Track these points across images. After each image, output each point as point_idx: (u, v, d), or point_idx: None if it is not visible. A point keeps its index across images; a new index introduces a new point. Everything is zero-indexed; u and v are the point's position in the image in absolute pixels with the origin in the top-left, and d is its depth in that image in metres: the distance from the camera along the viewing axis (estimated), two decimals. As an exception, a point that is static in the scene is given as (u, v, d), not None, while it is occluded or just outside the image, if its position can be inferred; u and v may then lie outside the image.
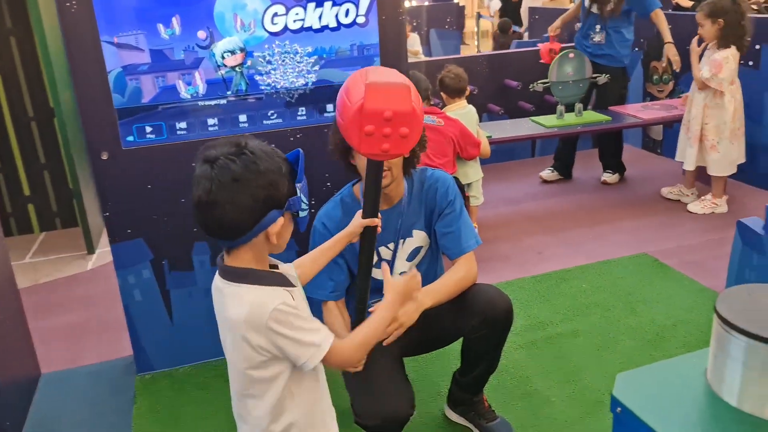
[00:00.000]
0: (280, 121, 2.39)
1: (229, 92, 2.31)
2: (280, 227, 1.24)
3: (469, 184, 3.54)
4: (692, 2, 4.78)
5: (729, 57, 3.52)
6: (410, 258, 2.02)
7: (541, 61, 4.25)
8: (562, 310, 2.82)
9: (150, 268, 2.41)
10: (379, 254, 1.97)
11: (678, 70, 4.01)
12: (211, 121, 2.32)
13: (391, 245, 1.99)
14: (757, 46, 3.98)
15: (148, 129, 2.27)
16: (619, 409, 1.22)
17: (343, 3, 2.31)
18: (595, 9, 4.13)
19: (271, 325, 1.22)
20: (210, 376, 2.49)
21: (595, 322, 2.72)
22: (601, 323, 2.71)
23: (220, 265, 1.31)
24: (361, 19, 2.35)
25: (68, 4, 2.08)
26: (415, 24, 7.29)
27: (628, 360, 2.43)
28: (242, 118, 2.35)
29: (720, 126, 3.65)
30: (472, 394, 2.12)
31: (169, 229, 2.39)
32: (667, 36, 4.13)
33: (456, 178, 3.15)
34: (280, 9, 2.26)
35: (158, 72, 2.21)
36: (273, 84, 2.34)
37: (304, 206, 1.27)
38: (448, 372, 2.23)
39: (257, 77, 2.31)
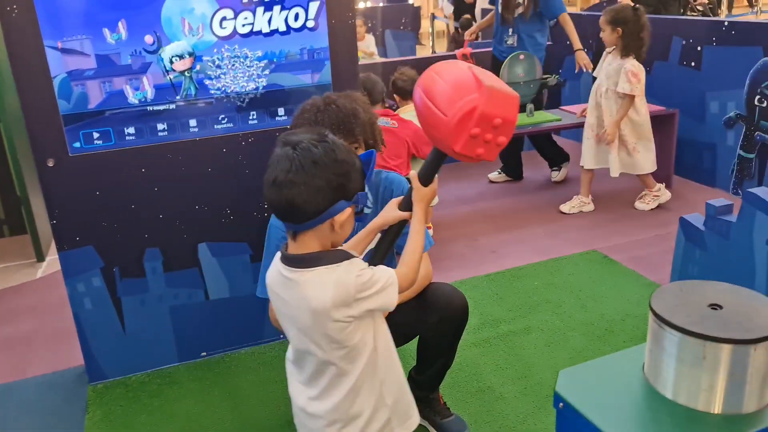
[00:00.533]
0: (231, 125, 2.38)
1: (178, 97, 2.29)
2: (345, 218, 1.30)
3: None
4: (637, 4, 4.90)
5: (637, 64, 3.64)
6: (366, 258, 2.03)
7: None
8: (514, 308, 2.88)
9: (100, 275, 2.38)
10: None
11: (593, 73, 4.09)
12: (160, 126, 2.30)
13: None
14: (699, 48, 4.12)
15: (96, 135, 2.23)
16: (561, 404, 1.26)
17: (292, 7, 2.31)
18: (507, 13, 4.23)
19: (359, 296, 1.31)
20: (164, 383, 2.47)
21: (546, 318, 2.78)
22: (552, 319, 2.78)
23: (285, 255, 1.35)
24: (310, 23, 2.35)
25: (9, 8, 2.03)
26: (370, 25, 7.31)
27: (578, 355, 2.50)
28: (192, 122, 2.33)
29: (636, 128, 3.79)
30: (427, 391, 2.15)
31: (119, 235, 2.35)
32: (576, 43, 4.26)
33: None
34: (228, 13, 2.25)
35: (105, 77, 2.18)
36: (223, 88, 2.33)
37: (369, 203, 1.31)
38: (404, 370, 2.25)
39: (207, 81, 2.30)
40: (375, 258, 1.51)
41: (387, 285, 1.35)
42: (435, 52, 8.81)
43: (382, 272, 1.37)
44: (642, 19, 3.64)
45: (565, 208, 3.97)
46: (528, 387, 2.34)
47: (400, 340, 2.12)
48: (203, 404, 2.35)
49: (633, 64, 3.63)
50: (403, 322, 2.03)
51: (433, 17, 8.50)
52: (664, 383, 1.22)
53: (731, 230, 2.41)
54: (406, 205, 1.50)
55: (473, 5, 6.80)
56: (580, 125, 4.36)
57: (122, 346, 2.48)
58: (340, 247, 1.39)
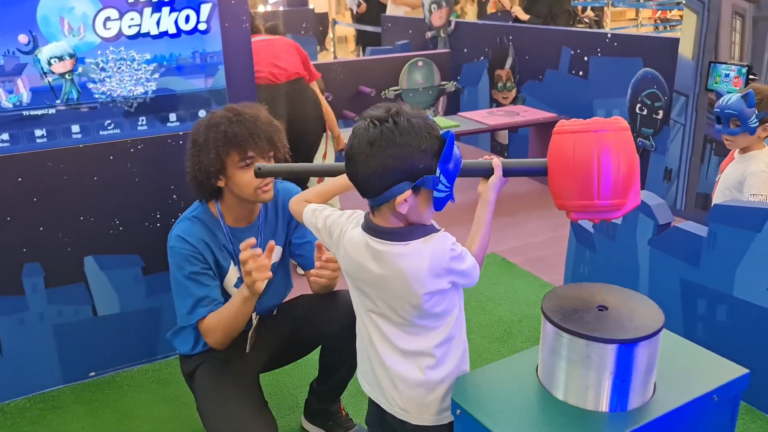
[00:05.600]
0: (119, 131, 2.25)
1: (58, 101, 2.14)
2: (405, 198, 1.26)
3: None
4: (528, 16, 5.11)
5: None
6: None
7: None
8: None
9: (-28, 294, 2.19)
10: (242, 274, 1.91)
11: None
12: (38, 132, 2.14)
13: None
14: (586, 58, 4.33)
15: (-36, 142, 2.05)
16: (458, 411, 1.27)
17: (182, 9, 2.22)
18: None
19: (452, 266, 1.31)
20: (47, 408, 2.30)
21: (448, 322, 2.82)
22: (453, 323, 2.81)
23: (371, 226, 1.34)
24: (202, 26, 2.27)
25: None
26: (274, 26, 7.20)
27: (479, 357, 2.54)
28: (75, 128, 2.19)
29: None
30: (329, 402, 2.12)
31: (-7, 251, 2.18)
32: None
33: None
34: (112, 13, 2.13)
35: (-27, 79, 2.01)
36: (109, 92, 2.20)
37: (441, 187, 1.27)
38: (305, 383, 2.21)
39: (90, 85, 2.17)
40: None
41: (473, 265, 1.38)
42: (336, 57, 8.81)
43: (467, 252, 1.38)
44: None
45: None
46: (430, 391, 2.36)
47: (301, 351, 2.09)
48: (91, 428, 2.20)
49: None
50: (303, 332, 2.00)
51: (334, 22, 8.50)
52: (555, 384, 1.25)
53: (617, 232, 2.53)
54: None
55: (384, 7, 6.84)
56: (478, 131, 4.49)
57: (-1, 369, 2.29)
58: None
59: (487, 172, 1.44)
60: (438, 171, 1.26)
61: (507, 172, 1.44)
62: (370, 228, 1.35)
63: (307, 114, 3.24)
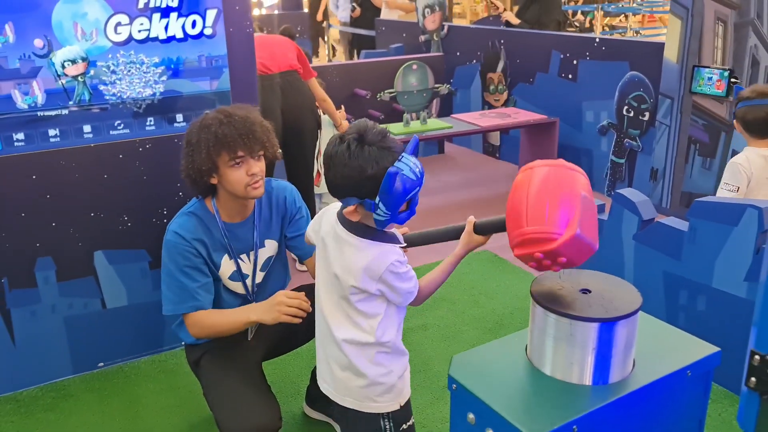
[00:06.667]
0: (128, 131, 2.36)
1: (71, 102, 2.24)
2: (353, 210, 1.45)
3: (320, 195, 3.68)
4: (520, 21, 5.24)
5: None
6: (263, 268, 2.09)
7: None
8: (413, 306, 3.01)
9: (-13, 287, 2.28)
10: (239, 267, 2.02)
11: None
12: (52, 132, 2.24)
13: (249, 257, 2.05)
14: (575, 62, 4.46)
15: (-19, 141, 2.15)
16: (454, 386, 1.38)
17: (189, 14, 2.33)
18: None
19: (385, 277, 1.47)
20: (58, 397, 2.40)
21: (442, 315, 2.94)
22: (448, 316, 2.93)
23: (343, 217, 1.51)
24: (208, 31, 2.38)
25: None
26: (267, 31, 7.30)
27: (472, 347, 2.64)
28: (86, 128, 2.29)
29: None
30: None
31: (8, 245, 2.27)
32: None
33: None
34: (123, 18, 2.23)
35: (-9, 81, 2.11)
36: (119, 94, 2.30)
37: (380, 213, 1.42)
38: (306, 370, 2.32)
39: (101, 87, 2.27)
40: (411, 240, 1.66)
41: (410, 288, 1.54)
42: (331, 60, 8.92)
43: (413, 277, 1.54)
44: None
45: None
46: (426, 379, 2.47)
47: (301, 339, 2.17)
48: (101, 416, 2.30)
49: None
50: (305, 320, 2.10)
51: (329, 26, 8.61)
52: (543, 361, 1.37)
53: (604, 227, 2.65)
54: (480, 231, 1.63)
55: (378, 11, 6.95)
56: (471, 132, 4.61)
57: (12, 359, 2.38)
58: (393, 231, 1.55)
59: (457, 235, 1.64)
60: (377, 198, 1.41)
61: (479, 229, 1.62)
62: (339, 215, 1.54)
63: (301, 104, 3.31)
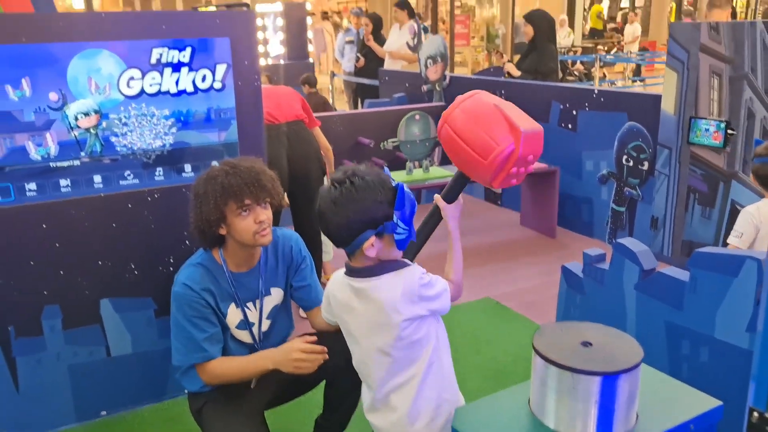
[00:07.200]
0: (137, 181, 2.41)
1: (82, 153, 2.30)
2: (371, 243, 1.48)
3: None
4: (519, 72, 5.36)
5: None
6: (269, 316, 2.11)
7: None
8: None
9: (-7, 335, 2.30)
10: (245, 316, 2.05)
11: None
12: (63, 182, 2.30)
13: (255, 305, 2.07)
14: (574, 112, 4.55)
15: (-6, 191, 2.20)
16: (458, 438, 1.39)
17: (199, 69, 2.40)
18: None
19: (422, 292, 1.51)
20: (61, 446, 2.39)
21: (445, 364, 2.93)
22: (450, 365, 2.92)
23: (350, 269, 1.57)
24: (217, 85, 2.45)
25: None
26: (274, 79, 7.48)
27: (475, 397, 2.59)
28: (97, 178, 2.34)
29: None
30: (334, 438, 2.22)
31: (15, 293, 2.29)
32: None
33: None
34: (136, 73, 2.31)
35: (6, 133, 2.17)
36: (129, 145, 2.36)
37: (400, 230, 1.49)
38: (309, 420, 2.31)
39: (113, 138, 2.33)
40: (409, 252, 1.69)
41: (443, 290, 1.57)
42: (336, 110, 9.07)
43: (438, 279, 1.58)
44: None
45: None
46: (429, 430, 2.45)
47: (304, 387, 2.19)
48: (103, 465, 2.29)
49: None
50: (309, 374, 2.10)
51: (333, 75, 8.79)
52: (546, 414, 1.38)
53: (605, 277, 2.67)
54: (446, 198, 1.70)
55: (381, 62, 7.10)
56: (472, 180, 4.65)
57: (15, 407, 2.38)
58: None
59: (438, 218, 1.72)
60: (395, 217, 1.48)
61: (446, 198, 1.70)
62: (349, 270, 1.58)
63: (307, 153, 3.38)
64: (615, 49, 14.62)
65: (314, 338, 1.93)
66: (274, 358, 1.91)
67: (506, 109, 1.56)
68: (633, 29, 14.04)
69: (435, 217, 1.73)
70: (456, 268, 1.67)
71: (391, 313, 1.50)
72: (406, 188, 1.52)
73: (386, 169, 1.60)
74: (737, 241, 2.69)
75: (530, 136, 1.53)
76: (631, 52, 12.65)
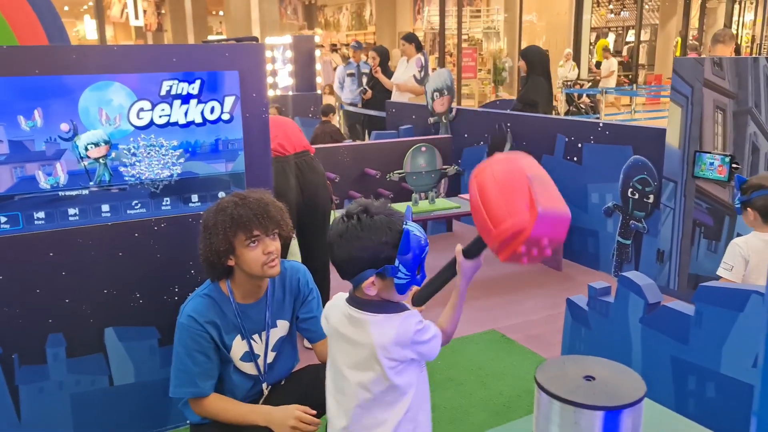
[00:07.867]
0: (144, 210, 2.43)
1: (91, 183, 2.33)
2: (372, 282, 1.47)
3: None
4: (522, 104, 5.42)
5: None
6: (275, 348, 2.12)
7: None
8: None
9: (-3, 363, 2.30)
10: (251, 348, 2.05)
11: None
12: (71, 211, 2.32)
13: (261, 337, 2.07)
14: (579, 145, 4.58)
15: (3, 219, 2.22)
16: (460, 473, 1.38)
17: (208, 101, 2.44)
18: None
19: (416, 338, 1.51)
20: (61, 477, 2.37)
21: (449, 396, 2.91)
22: (455, 398, 2.90)
23: (353, 297, 1.57)
24: (226, 116, 2.49)
25: None
26: (282, 110, 7.56)
27: (480, 431, 2.62)
28: (105, 207, 2.37)
29: None
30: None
31: (20, 321, 2.30)
32: None
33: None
34: (146, 105, 2.35)
35: (17, 162, 2.20)
36: (138, 175, 2.39)
37: (401, 275, 1.47)
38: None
39: (122, 168, 2.36)
40: (420, 298, 1.66)
41: (434, 336, 1.57)
42: (346, 139, 9.15)
43: (431, 325, 1.58)
44: None
45: None
46: (432, 464, 2.43)
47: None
48: (103, 497, 2.27)
49: None
50: (312, 400, 2.07)
51: (341, 107, 8.88)
52: (549, 449, 1.36)
53: (610, 310, 2.66)
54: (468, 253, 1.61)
55: (389, 94, 7.18)
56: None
57: (16, 437, 2.37)
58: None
59: (453, 272, 1.63)
60: (397, 261, 1.46)
61: (468, 254, 1.61)
62: (351, 298, 1.57)
63: (316, 183, 3.40)
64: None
65: (314, 411, 1.92)
66: (270, 417, 1.92)
67: (536, 183, 1.38)
68: (609, 64, 14.47)
69: (449, 271, 1.64)
70: (452, 320, 1.65)
71: (379, 352, 1.50)
72: (416, 232, 1.48)
73: (409, 207, 1.59)
74: (728, 274, 2.71)
75: (547, 219, 1.33)
76: (605, 90, 12.93)
